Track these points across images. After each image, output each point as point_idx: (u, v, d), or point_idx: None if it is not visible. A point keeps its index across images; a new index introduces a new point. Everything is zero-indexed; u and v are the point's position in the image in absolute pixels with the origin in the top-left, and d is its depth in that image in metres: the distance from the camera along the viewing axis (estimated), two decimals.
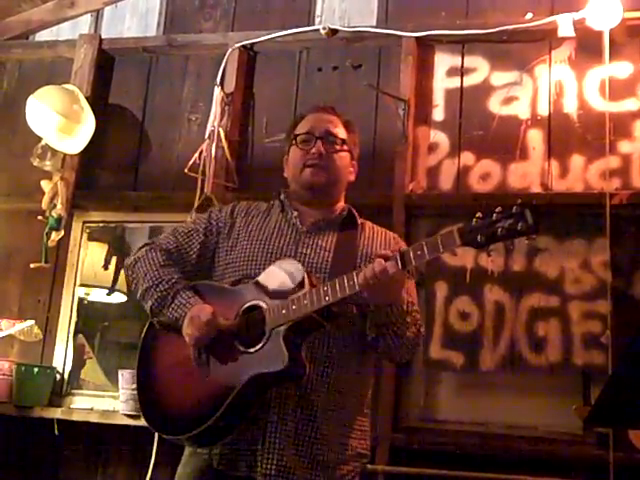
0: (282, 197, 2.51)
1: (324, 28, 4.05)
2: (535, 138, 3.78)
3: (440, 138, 3.90)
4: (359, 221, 2.48)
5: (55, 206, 4.08)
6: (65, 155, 4.17)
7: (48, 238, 4.06)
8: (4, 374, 3.87)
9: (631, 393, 1.84)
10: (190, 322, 2.26)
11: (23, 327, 4.00)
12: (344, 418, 2.30)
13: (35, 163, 4.13)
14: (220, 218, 2.51)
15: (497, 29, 3.83)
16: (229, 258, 2.42)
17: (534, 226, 1.93)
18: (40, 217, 4.09)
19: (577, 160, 3.71)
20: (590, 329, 3.48)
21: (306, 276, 2.20)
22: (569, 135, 3.74)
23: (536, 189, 3.72)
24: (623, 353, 2.31)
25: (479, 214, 2.00)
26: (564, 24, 3.73)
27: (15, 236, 4.33)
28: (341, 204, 2.51)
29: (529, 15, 3.84)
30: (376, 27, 4.07)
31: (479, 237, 1.98)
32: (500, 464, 3.31)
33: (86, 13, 4.62)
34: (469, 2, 4.03)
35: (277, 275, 2.26)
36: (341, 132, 2.50)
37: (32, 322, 4.03)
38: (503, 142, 3.80)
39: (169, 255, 2.44)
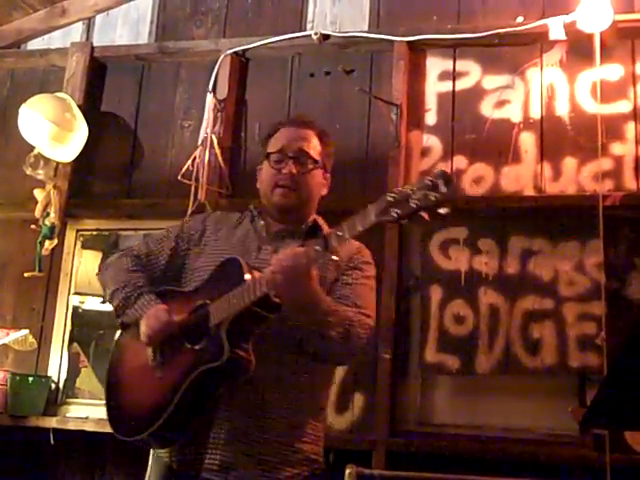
0: (251, 208, 2.54)
1: (316, 33, 4.06)
2: (527, 141, 3.78)
3: (433, 142, 3.91)
4: (325, 231, 2.45)
5: (48, 215, 4.08)
6: (58, 163, 4.16)
7: (42, 247, 4.05)
8: None
9: (627, 394, 1.84)
10: (146, 320, 2.32)
11: (17, 336, 3.99)
12: (297, 421, 2.30)
13: (28, 172, 4.12)
14: (192, 227, 2.55)
15: (488, 33, 3.84)
16: (196, 265, 2.46)
17: (447, 195, 1.90)
18: (33, 226, 4.09)
19: (570, 162, 3.72)
20: (585, 331, 3.49)
21: (247, 269, 2.22)
22: (561, 138, 3.75)
23: (529, 192, 3.72)
24: (618, 354, 2.31)
25: (395, 189, 1.99)
26: (555, 27, 3.74)
27: (9, 245, 4.32)
28: (311, 217, 2.52)
29: (520, 19, 3.86)
30: (368, 32, 4.08)
31: (393, 212, 1.96)
32: (497, 467, 3.30)
33: (78, 21, 4.63)
34: (460, 6, 4.04)
35: (224, 272, 2.30)
36: (314, 148, 2.49)
37: (26, 331, 4.01)
38: (496, 145, 3.81)
39: (138, 261, 2.51)
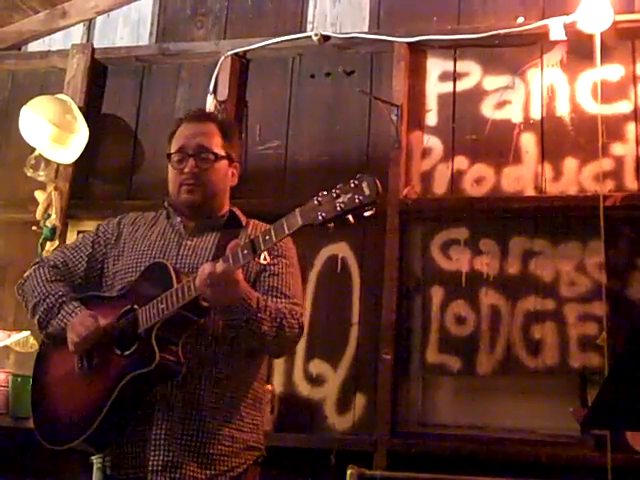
0: (166, 205, 2.54)
1: (316, 35, 4.06)
2: (528, 142, 3.78)
3: (433, 143, 3.91)
4: (243, 221, 2.50)
5: (49, 216, 4.08)
6: (59, 165, 4.17)
7: (43, 248, 4.05)
8: (0, 385, 3.86)
9: (628, 394, 1.84)
10: (72, 328, 2.30)
11: (19, 338, 3.99)
12: (233, 413, 2.32)
13: (29, 174, 4.13)
14: (107, 230, 2.55)
15: (489, 33, 3.85)
16: (116, 268, 2.46)
17: (372, 198, 1.93)
18: (34, 227, 4.09)
19: (570, 163, 3.72)
20: (586, 331, 3.49)
21: (174, 274, 2.23)
22: (562, 138, 3.75)
23: (530, 192, 3.72)
24: (619, 354, 2.31)
25: (321, 192, 2.01)
26: (555, 28, 3.74)
27: (10, 247, 4.32)
28: (225, 208, 2.52)
29: (520, 19, 3.86)
30: (368, 33, 4.08)
31: (320, 215, 1.98)
32: (498, 468, 3.30)
33: (78, 23, 4.63)
34: (460, 7, 4.04)
35: (151, 276, 2.30)
36: (215, 142, 2.48)
37: (28, 333, 4.01)
38: (496, 146, 3.81)
39: (57, 270, 2.49)
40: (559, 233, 3.64)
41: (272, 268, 2.39)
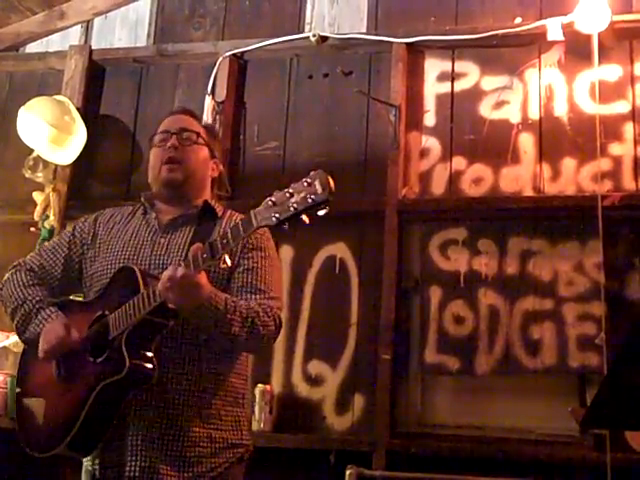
0: (142, 200, 2.52)
1: (314, 35, 4.06)
2: (526, 142, 3.79)
3: (432, 143, 3.91)
4: (219, 212, 2.47)
5: (47, 217, 4.08)
6: (57, 166, 4.17)
7: None
8: None
9: (626, 394, 1.84)
10: (44, 337, 2.30)
11: (17, 339, 3.98)
12: (212, 413, 2.31)
13: (27, 175, 4.13)
14: (83, 229, 2.53)
15: (487, 34, 3.85)
16: (93, 269, 2.44)
17: (325, 196, 1.88)
18: (33, 228, 4.09)
19: (568, 163, 3.72)
20: (585, 331, 3.49)
21: (140, 278, 2.21)
22: (560, 138, 3.75)
23: (528, 193, 3.73)
24: (617, 354, 2.31)
25: (276, 191, 1.97)
26: (553, 28, 3.74)
27: (8, 248, 4.31)
28: (204, 199, 2.50)
29: (518, 19, 3.86)
30: (366, 34, 4.08)
31: (274, 216, 1.93)
32: (497, 467, 3.31)
33: (76, 24, 4.62)
34: (458, 7, 4.04)
35: (120, 281, 2.29)
36: (198, 128, 2.52)
37: None
38: (494, 146, 3.81)
39: (34, 274, 2.49)
40: (557, 233, 3.64)
41: (246, 262, 2.36)
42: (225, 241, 2.05)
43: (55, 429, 2.29)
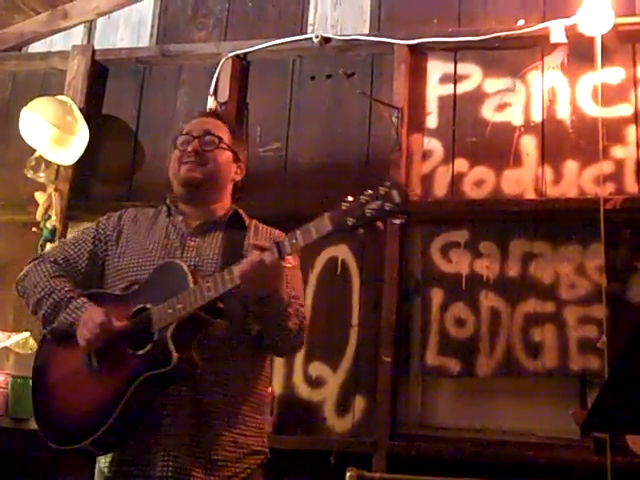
0: (167, 201, 2.53)
1: (317, 37, 4.06)
2: (529, 144, 3.79)
3: (434, 145, 3.91)
4: (247, 221, 2.49)
5: (49, 217, 4.08)
6: (59, 166, 4.17)
7: (43, 249, 4.04)
8: (0, 387, 3.86)
9: (628, 397, 1.84)
10: (84, 324, 2.26)
11: (18, 339, 3.99)
12: (239, 418, 2.31)
13: (29, 175, 4.13)
14: (108, 226, 2.52)
15: (489, 36, 3.84)
16: (118, 266, 2.43)
17: (402, 206, 1.97)
18: (34, 229, 4.09)
19: (571, 166, 3.72)
20: (586, 334, 3.49)
21: (190, 274, 2.22)
22: (562, 141, 3.75)
23: (530, 195, 3.72)
24: (618, 357, 2.31)
25: (349, 197, 2.03)
26: (556, 30, 3.74)
27: (10, 248, 4.32)
28: (225, 204, 2.51)
29: (521, 22, 3.86)
30: (369, 35, 4.08)
31: (349, 220, 2.00)
32: (498, 470, 3.30)
33: (79, 24, 4.63)
34: (461, 9, 4.04)
35: (163, 276, 2.29)
36: (222, 133, 2.50)
37: (27, 334, 4.01)
38: (497, 149, 3.81)
39: (58, 266, 2.45)
40: (559, 236, 3.64)
41: None
42: (294, 241, 2.09)
43: (83, 422, 2.25)
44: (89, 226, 2.59)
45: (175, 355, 2.13)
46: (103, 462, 2.32)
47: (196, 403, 2.25)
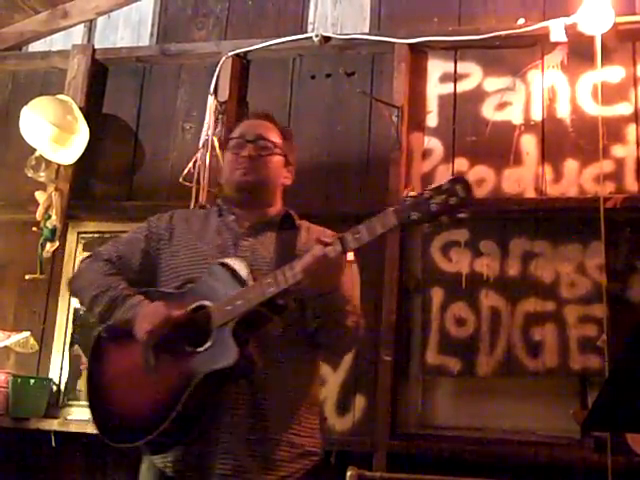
0: (219, 202, 2.54)
1: (317, 35, 4.06)
2: (529, 143, 3.78)
3: (434, 144, 3.91)
4: (297, 222, 2.50)
5: (50, 217, 4.08)
6: (59, 166, 4.17)
7: (43, 249, 4.05)
8: (0, 386, 3.86)
9: (628, 396, 1.84)
10: (144, 318, 2.25)
11: (19, 338, 3.99)
12: (293, 417, 2.31)
13: (29, 174, 4.13)
14: (160, 226, 2.52)
15: (490, 35, 3.84)
16: (172, 264, 2.42)
17: (466, 200, 1.97)
18: (35, 228, 4.09)
19: (571, 165, 3.71)
20: (586, 333, 3.49)
21: (248, 272, 2.22)
22: (562, 140, 3.75)
23: (530, 194, 3.72)
24: (619, 356, 2.31)
25: (413, 192, 2.05)
26: (556, 29, 3.74)
27: (10, 247, 4.33)
28: (276, 207, 2.52)
29: (521, 21, 3.85)
30: (369, 34, 4.08)
31: (414, 215, 2.02)
32: (498, 469, 3.30)
33: (79, 23, 4.63)
34: (461, 8, 4.04)
35: (220, 274, 2.28)
36: (274, 137, 2.51)
37: (28, 333, 4.01)
38: (497, 148, 3.81)
39: (112, 264, 2.45)
40: (559, 235, 3.64)
41: None
42: (358, 236, 2.08)
43: (141, 421, 2.24)
44: (140, 225, 2.58)
45: (236, 351, 2.12)
46: (161, 460, 2.29)
47: (254, 402, 2.24)
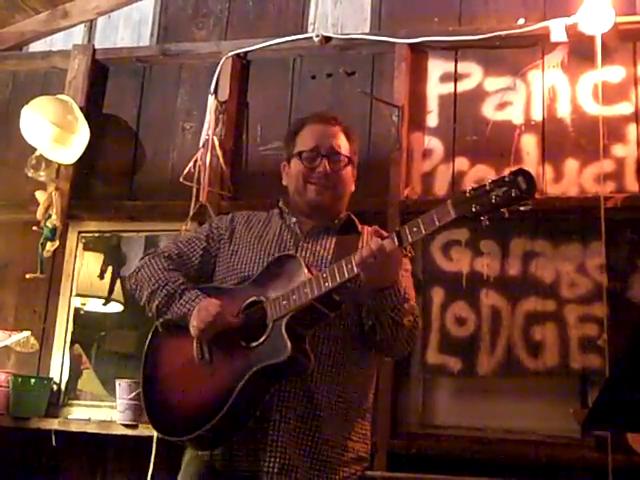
0: (280, 204, 2.53)
1: (317, 35, 4.06)
2: (529, 143, 3.78)
3: (434, 144, 3.91)
4: (359, 227, 2.49)
5: (50, 216, 4.08)
6: (60, 165, 4.17)
7: (43, 248, 4.05)
8: (1, 385, 3.86)
9: (628, 395, 1.84)
10: (197, 314, 2.26)
11: (19, 338, 3.99)
12: (347, 420, 2.30)
13: (30, 174, 4.13)
14: (220, 226, 2.54)
15: (490, 35, 3.84)
16: (230, 263, 2.44)
17: (528, 191, 1.92)
18: (35, 227, 4.09)
19: (571, 164, 3.71)
20: (587, 332, 3.49)
21: (305, 267, 2.21)
22: (563, 140, 3.75)
23: None
24: (619, 355, 2.31)
25: (473, 185, 2.00)
26: (556, 29, 3.74)
27: (10, 247, 4.33)
28: (341, 212, 2.52)
29: (521, 20, 3.86)
30: (369, 34, 4.08)
31: (474, 207, 1.97)
32: (498, 468, 3.30)
33: (79, 24, 4.63)
34: (462, 8, 4.04)
35: (276, 270, 2.28)
36: (344, 145, 2.49)
37: (28, 333, 4.01)
38: (497, 147, 3.81)
39: (172, 261, 2.47)
40: (560, 234, 3.64)
41: None
42: (415, 229, 2.06)
43: (193, 414, 2.24)
44: (203, 225, 2.62)
45: (289, 346, 2.11)
46: (209, 454, 2.28)
47: (308, 402, 2.23)
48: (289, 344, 2.11)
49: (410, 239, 2.07)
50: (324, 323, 2.23)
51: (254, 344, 2.19)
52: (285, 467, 2.18)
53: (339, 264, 2.14)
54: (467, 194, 1.98)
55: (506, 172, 1.97)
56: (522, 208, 1.95)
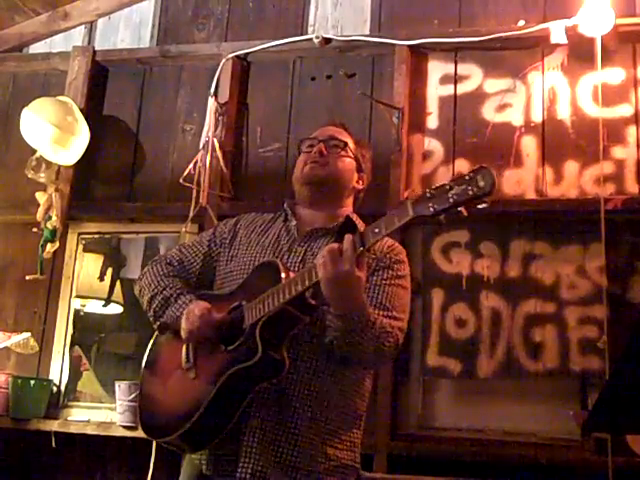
0: (285, 206, 2.55)
1: (317, 37, 4.06)
2: (529, 145, 3.78)
3: (434, 146, 3.91)
4: (360, 228, 2.45)
5: (50, 218, 4.08)
6: (60, 167, 4.17)
7: (43, 250, 4.05)
8: (0, 387, 3.86)
9: (628, 397, 1.84)
10: (186, 317, 2.31)
11: (19, 339, 3.99)
12: (330, 429, 2.29)
13: (29, 175, 4.13)
14: (224, 230, 2.57)
15: (490, 36, 3.84)
16: (228, 268, 2.47)
17: (485, 189, 1.88)
18: (35, 229, 4.09)
19: (571, 166, 3.71)
20: (587, 334, 3.48)
21: (284, 271, 2.22)
22: (563, 141, 3.75)
23: (531, 195, 3.72)
24: (619, 357, 2.31)
25: (433, 185, 2.01)
26: (556, 31, 3.74)
27: (10, 248, 4.33)
28: (345, 211, 2.53)
29: (521, 22, 3.86)
30: (369, 36, 4.07)
31: (431, 206, 1.95)
32: (498, 471, 3.30)
33: (79, 25, 4.63)
34: (462, 10, 4.04)
35: (260, 275, 2.30)
36: (347, 139, 2.56)
37: (28, 334, 4.02)
38: (497, 149, 3.81)
39: (172, 267, 2.52)
40: (560, 236, 3.64)
41: (375, 279, 2.37)
42: (377, 230, 2.06)
43: (174, 416, 2.27)
44: (208, 230, 2.66)
45: (260, 348, 2.13)
46: (198, 457, 2.32)
47: (286, 410, 2.23)
48: (260, 347, 2.13)
49: (372, 240, 2.08)
50: (302, 326, 2.23)
51: (230, 347, 2.23)
52: (257, 474, 2.19)
53: (311, 266, 2.15)
54: (427, 194, 1.98)
55: (469, 171, 1.95)
56: (480, 206, 1.92)
